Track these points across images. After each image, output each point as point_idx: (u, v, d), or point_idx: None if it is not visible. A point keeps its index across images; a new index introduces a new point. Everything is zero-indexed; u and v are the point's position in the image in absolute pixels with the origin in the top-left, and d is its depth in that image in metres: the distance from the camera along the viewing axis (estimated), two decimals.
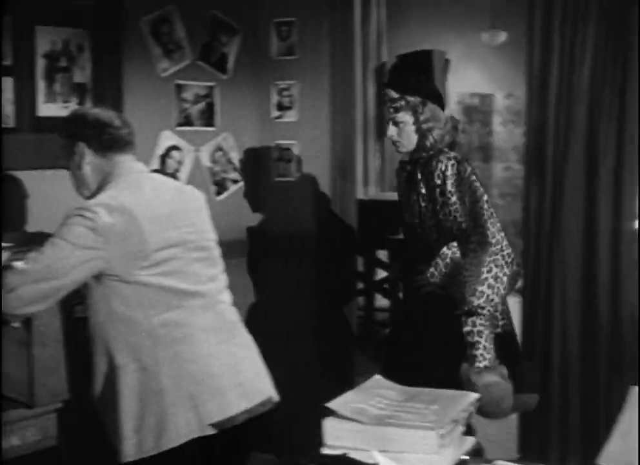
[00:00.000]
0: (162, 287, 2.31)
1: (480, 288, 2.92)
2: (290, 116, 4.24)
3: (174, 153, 3.92)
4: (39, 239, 2.50)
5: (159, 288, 2.30)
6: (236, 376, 2.39)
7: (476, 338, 2.98)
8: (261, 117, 4.29)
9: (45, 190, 3.48)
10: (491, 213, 3.00)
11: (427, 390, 1.98)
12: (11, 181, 3.38)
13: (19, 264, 2.26)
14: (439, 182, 3.04)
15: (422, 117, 3.10)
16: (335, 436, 1.82)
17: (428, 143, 3.12)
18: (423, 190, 3.10)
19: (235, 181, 4.18)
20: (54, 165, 3.49)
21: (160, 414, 2.27)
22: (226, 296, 2.54)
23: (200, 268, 2.42)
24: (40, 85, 3.48)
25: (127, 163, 2.44)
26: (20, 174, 3.39)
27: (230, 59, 4.14)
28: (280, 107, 4.25)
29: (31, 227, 3.35)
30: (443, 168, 3.03)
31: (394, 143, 3.18)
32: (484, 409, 2.90)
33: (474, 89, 10.45)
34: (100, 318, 2.34)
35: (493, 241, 2.95)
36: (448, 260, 3.05)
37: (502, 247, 2.97)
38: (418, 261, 3.18)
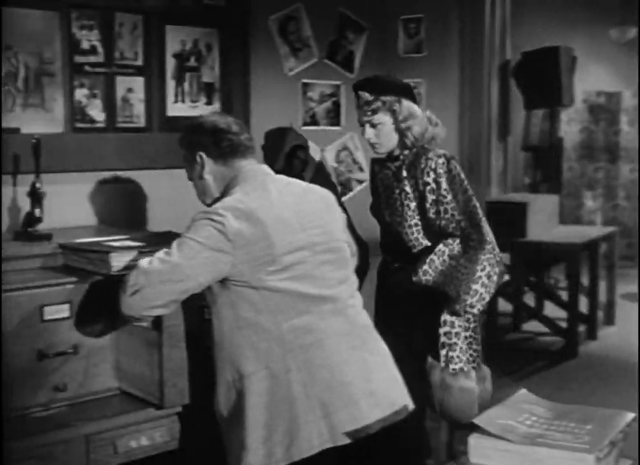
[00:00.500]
0: (291, 292, 2.23)
1: (474, 286, 2.89)
2: None
3: (299, 153, 3.87)
4: (168, 239, 2.49)
5: (288, 293, 2.23)
6: (368, 384, 2.30)
7: (454, 340, 2.96)
8: None
9: (176, 189, 3.48)
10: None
11: (578, 407, 1.85)
12: (131, 182, 3.41)
13: (144, 264, 2.23)
14: (429, 180, 2.94)
15: (400, 116, 2.99)
16: (481, 454, 1.71)
17: (408, 141, 3.02)
18: (407, 188, 2.99)
19: (360, 182, 4.10)
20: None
21: (290, 423, 2.20)
22: (357, 300, 2.45)
23: (329, 272, 2.33)
24: (170, 85, 3.49)
25: (250, 166, 2.37)
26: (150, 173, 3.41)
27: (356, 57, 4.07)
28: None
29: (158, 226, 3.36)
30: (433, 166, 2.95)
31: (372, 145, 3.04)
32: (452, 414, 3.00)
33: (600, 87, 10.10)
34: (226, 325, 2.28)
35: (488, 239, 2.95)
36: (445, 257, 2.94)
37: (493, 246, 2.96)
38: (397, 259, 3.10)
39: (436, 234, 2.98)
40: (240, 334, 2.25)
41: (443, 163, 2.97)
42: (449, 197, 2.95)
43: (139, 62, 3.38)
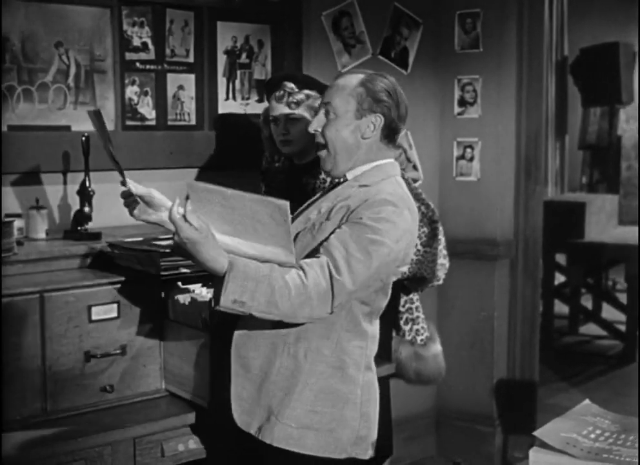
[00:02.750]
0: None
1: (440, 261, 3.05)
2: (473, 112, 4.04)
3: None
4: None
5: None
6: None
7: (416, 314, 3.15)
8: (442, 113, 4.11)
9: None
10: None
11: None
12: (180, 180, 3.37)
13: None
14: None
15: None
16: None
17: None
18: None
19: (415, 180, 4.01)
20: (234, 164, 3.47)
21: None
22: None
23: None
24: (221, 82, 3.45)
25: (392, 161, 2.26)
26: (200, 172, 3.38)
27: (411, 54, 3.99)
28: (462, 103, 4.06)
29: None
30: None
31: (284, 142, 2.88)
32: (429, 378, 3.20)
33: None
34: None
35: (434, 210, 3.07)
36: (419, 247, 2.99)
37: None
38: None
39: None
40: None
41: None
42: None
43: (190, 59, 3.34)
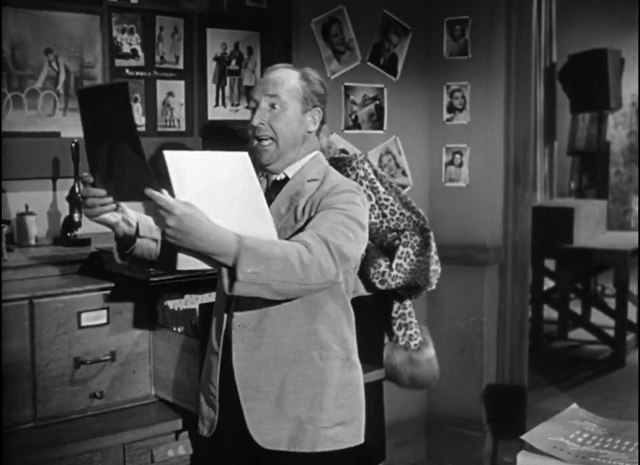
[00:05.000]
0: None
1: (432, 267, 3.03)
2: (462, 119, 4.05)
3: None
4: None
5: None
6: None
7: (409, 319, 3.14)
8: (431, 119, 4.12)
9: None
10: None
11: (633, 424, 1.76)
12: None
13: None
14: (363, 188, 2.87)
15: None
16: None
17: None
18: None
19: (403, 187, 4.02)
20: None
21: None
22: None
23: None
24: (211, 89, 3.46)
25: (319, 150, 2.27)
26: None
27: (400, 60, 4.00)
28: (451, 109, 4.07)
29: None
30: (362, 174, 2.95)
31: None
32: (424, 383, 3.19)
33: None
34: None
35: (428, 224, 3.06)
36: (412, 257, 2.97)
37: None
38: None
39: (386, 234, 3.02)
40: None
41: (369, 166, 2.97)
42: (390, 198, 2.97)
43: (180, 65, 3.35)
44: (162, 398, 2.62)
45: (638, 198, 9.67)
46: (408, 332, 3.16)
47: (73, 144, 2.83)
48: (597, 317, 6.76)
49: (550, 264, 6.67)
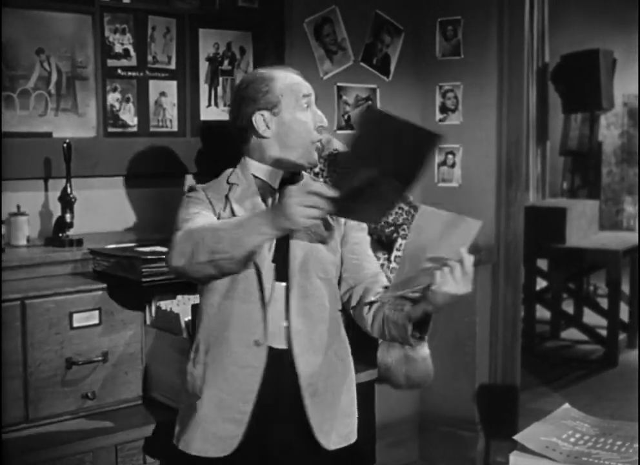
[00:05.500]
0: None
1: None
2: (454, 119, 4.06)
3: None
4: None
5: None
6: None
7: None
8: (424, 119, 4.12)
9: None
10: None
11: (625, 423, 1.76)
12: (163, 187, 3.36)
13: None
14: None
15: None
16: None
17: (318, 150, 2.95)
18: None
19: None
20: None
21: None
22: None
23: None
24: (203, 89, 3.45)
25: None
26: (183, 178, 3.38)
27: (392, 60, 4.00)
28: (444, 109, 4.08)
29: None
30: None
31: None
32: (419, 382, 3.12)
33: None
34: None
35: None
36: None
37: None
38: None
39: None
40: None
41: None
42: None
43: (172, 66, 3.34)
44: (155, 398, 2.62)
45: (638, 199, 9.68)
46: None
47: (65, 145, 2.83)
48: (590, 317, 6.78)
49: (542, 264, 6.69)
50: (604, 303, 6.57)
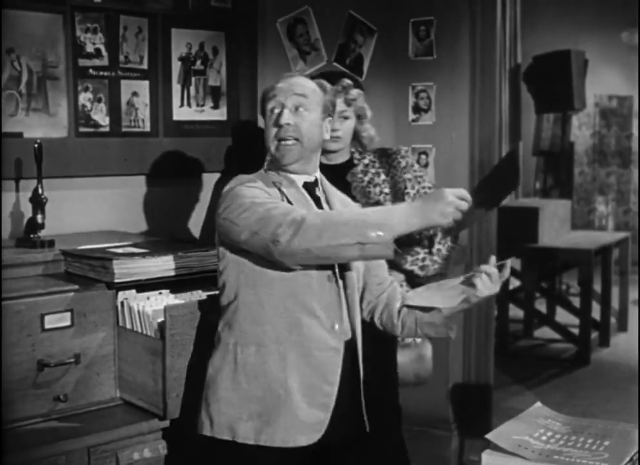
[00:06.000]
0: None
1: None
2: (427, 119, 4.07)
3: None
4: (171, 246, 2.40)
5: None
6: None
7: None
8: (397, 119, 4.13)
9: (180, 196, 3.43)
10: None
11: (597, 421, 1.78)
12: (135, 187, 3.34)
13: None
14: (410, 176, 2.96)
15: (365, 116, 2.96)
16: None
17: (366, 142, 2.98)
18: (387, 190, 2.95)
19: None
20: (187, 172, 3.46)
21: None
22: None
23: None
24: (176, 89, 3.43)
25: None
26: (155, 179, 3.36)
27: (365, 61, 4.01)
28: (417, 110, 4.09)
29: (161, 233, 3.30)
30: (410, 162, 3.00)
31: (334, 138, 2.81)
32: (426, 379, 3.13)
33: (612, 91, 10.02)
34: None
35: None
36: (449, 243, 2.98)
37: None
38: None
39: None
40: None
41: (411, 157, 3.05)
42: (431, 187, 3.03)
43: (144, 65, 3.33)
44: (127, 400, 2.60)
45: (638, 199, 9.77)
46: None
47: (36, 145, 2.80)
48: (562, 316, 6.83)
49: (515, 263, 6.72)
50: (576, 302, 6.62)
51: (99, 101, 3.21)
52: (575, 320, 6.42)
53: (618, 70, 9.81)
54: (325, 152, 2.87)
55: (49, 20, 3.05)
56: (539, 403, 1.86)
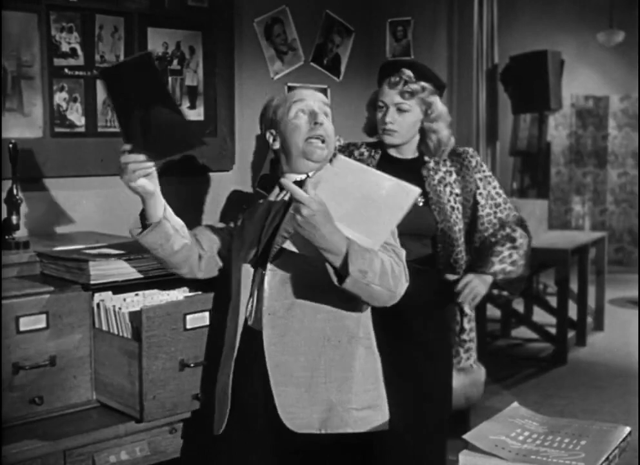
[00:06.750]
0: None
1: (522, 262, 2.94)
2: None
3: None
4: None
5: None
6: None
7: (472, 334, 2.95)
8: None
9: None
10: None
11: (573, 421, 1.78)
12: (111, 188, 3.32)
13: None
14: (481, 176, 2.86)
15: (432, 114, 2.78)
16: None
17: (432, 144, 2.81)
18: (457, 190, 2.85)
19: None
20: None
21: None
22: None
23: None
24: None
25: None
26: None
27: (343, 61, 4.01)
28: None
29: None
30: (480, 161, 2.89)
31: (389, 131, 2.77)
32: (475, 400, 3.07)
33: (588, 91, 10.09)
34: None
35: None
36: (525, 248, 2.91)
37: None
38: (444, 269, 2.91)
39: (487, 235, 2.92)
40: None
41: (479, 157, 2.94)
42: (501, 190, 2.93)
43: None
44: (103, 402, 2.58)
45: (638, 200, 9.83)
46: (472, 352, 2.95)
47: (10, 145, 2.77)
48: (539, 315, 6.86)
49: None
50: (553, 301, 6.65)
51: (75, 100, 3.19)
52: (552, 320, 6.45)
53: (594, 70, 9.88)
54: (389, 146, 2.85)
55: (24, 20, 3.02)
56: (515, 404, 1.87)
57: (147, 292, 2.63)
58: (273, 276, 2.26)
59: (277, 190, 2.47)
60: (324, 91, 3.95)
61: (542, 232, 6.66)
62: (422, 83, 2.75)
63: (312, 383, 2.23)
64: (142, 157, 2.18)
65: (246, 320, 2.34)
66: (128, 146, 2.17)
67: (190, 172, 3.51)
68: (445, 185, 2.84)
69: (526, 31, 8.91)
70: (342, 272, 2.01)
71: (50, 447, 2.35)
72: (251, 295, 2.32)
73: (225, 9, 3.59)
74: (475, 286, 2.77)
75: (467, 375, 2.93)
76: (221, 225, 2.60)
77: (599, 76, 9.93)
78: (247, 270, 2.35)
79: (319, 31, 3.91)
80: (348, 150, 2.96)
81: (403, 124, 2.76)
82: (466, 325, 2.93)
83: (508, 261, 2.85)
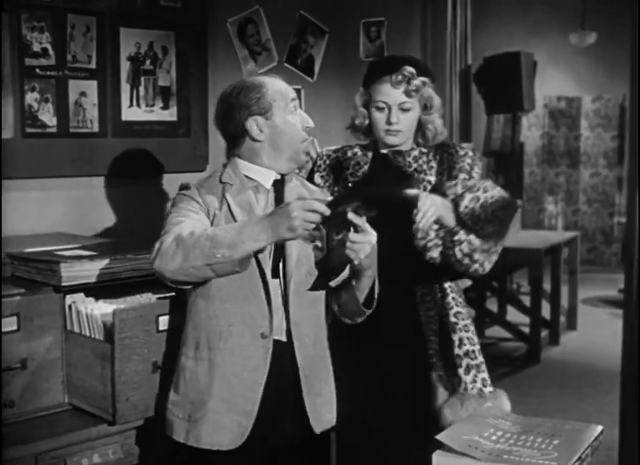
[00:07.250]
0: None
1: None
2: None
3: None
4: (120, 248, 2.37)
5: None
6: None
7: (479, 358, 2.66)
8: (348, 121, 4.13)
9: (128, 197, 3.39)
10: None
11: (546, 421, 1.79)
12: (83, 188, 3.30)
13: None
14: (465, 176, 2.60)
15: (431, 106, 2.64)
16: None
17: (430, 134, 2.65)
18: (431, 178, 2.64)
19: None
20: (137, 172, 3.42)
21: None
22: None
23: None
24: (125, 89, 3.39)
25: None
26: (103, 180, 3.32)
27: (316, 62, 4.01)
28: None
29: (110, 234, 3.26)
30: (471, 154, 2.64)
31: (393, 132, 2.60)
32: None
33: (561, 92, 10.16)
34: None
35: None
36: (482, 201, 2.57)
37: None
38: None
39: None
40: None
41: (476, 156, 2.70)
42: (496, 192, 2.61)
43: (92, 65, 3.28)
44: (76, 405, 2.56)
45: (609, 200, 9.88)
46: (480, 375, 2.60)
47: None
48: (513, 315, 6.90)
49: None
50: (527, 301, 6.69)
51: (46, 101, 3.16)
52: (526, 319, 6.49)
53: (567, 71, 9.95)
54: (386, 146, 2.66)
55: None
56: (488, 403, 1.88)
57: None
58: (294, 285, 2.22)
59: (238, 183, 2.25)
60: (297, 92, 3.94)
61: (515, 232, 6.70)
62: (423, 78, 2.63)
63: (323, 385, 2.32)
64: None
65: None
66: (327, 211, 1.97)
67: (162, 171, 3.50)
68: (420, 172, 2.65)
69: (499, 32, 8.95)
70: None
71: (22, 450, 2.33)
72: (269, 304, 2.18)
73: (198, 9, 3.57)
74: (436, 203, 2.46)
75: (482, 401, 2.43)
76: (191, 208, 2.22)
77: (571, 77, 10.01)
78: (256, 278, 2.19)
79: (293, 32, 3.91)
80: (341, 150, 2.85)
81: (407, 123, 2.62)
82: (459, 351, 2.62)
83: (475, 200, 2.54)
